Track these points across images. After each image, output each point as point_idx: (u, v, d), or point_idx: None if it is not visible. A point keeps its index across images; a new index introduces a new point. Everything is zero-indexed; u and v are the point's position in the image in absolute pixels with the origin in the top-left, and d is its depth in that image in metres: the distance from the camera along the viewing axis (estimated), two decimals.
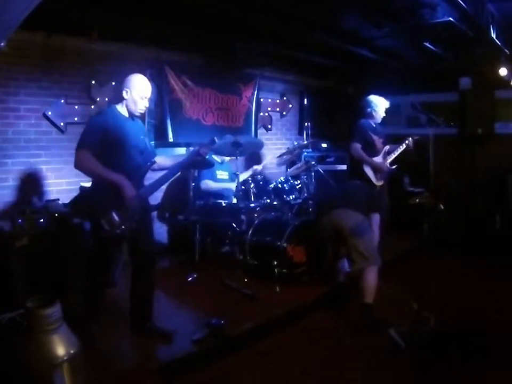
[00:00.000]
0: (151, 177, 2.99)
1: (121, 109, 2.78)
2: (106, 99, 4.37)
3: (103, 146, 2.61)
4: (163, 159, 3.06)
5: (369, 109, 4.69)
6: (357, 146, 4.60)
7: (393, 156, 4.74)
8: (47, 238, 3.33)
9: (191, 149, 3.11)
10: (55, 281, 3.11)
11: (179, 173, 5.06)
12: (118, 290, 3.53)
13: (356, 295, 3.49)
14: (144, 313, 2.98)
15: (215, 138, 2.98)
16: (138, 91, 2.74)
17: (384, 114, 4.75)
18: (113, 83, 4.41)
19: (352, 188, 4.02)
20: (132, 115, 2.82)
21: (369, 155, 4.62)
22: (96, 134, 2.61)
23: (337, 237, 3.57)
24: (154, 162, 2.98)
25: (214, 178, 4.70)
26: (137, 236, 2.77)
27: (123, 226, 2.61)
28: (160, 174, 2.97)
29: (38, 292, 2.21)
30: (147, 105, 2.84)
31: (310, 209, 4.72)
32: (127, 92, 2.73)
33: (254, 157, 5.78)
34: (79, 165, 2.62)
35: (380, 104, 4.67)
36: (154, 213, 4.99)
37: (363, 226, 3.46)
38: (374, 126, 4.72)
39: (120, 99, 2.77)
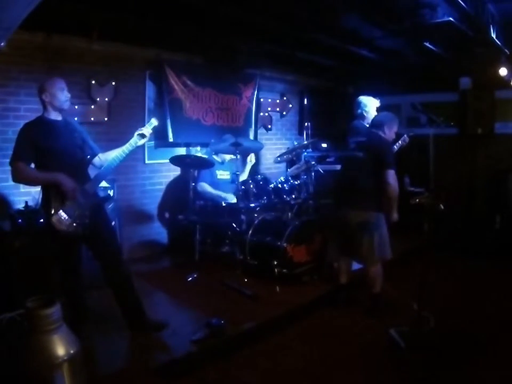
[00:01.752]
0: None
1: (48, 114, 2.80)
2: (106, 99, 4.38)
3: (35, 152, 2.66)
4: (107, 153, 3.03)
5: (359, 110, 4.64)
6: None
7: None
8: (47, 238, 3.34)
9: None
10: (54, 281, 3.11)
11: (169, 171, 5.07)
12: None
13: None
14: (131, 307, 2.96)
15: (153, 119, 3.03)
16: (53, 86, 2.76)
17: (376, 114, 4.73)
18: (113, 83, 4.41)
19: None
20: (60, 113, 2.83)
21: None
22: (25, 144, 2.66)
23: (348, 233, 3.56)
24: (94, 155, 2.99)
25: (215, 179, 4.70)
26: (94, 231, 2.77)
27: (74, 224, 2.64)
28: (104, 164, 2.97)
29: (37, 292, 2.21)
30: (69, 96, 2.85)
31: (310, 209, 4.72)
32: (46, 95, 2.75)
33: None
34: (17, 178, 2.68)
35: (369, 104, 4.63)
36: (154, 213, 5.01)
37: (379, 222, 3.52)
38: (367, 126, 4.71)
39: (43, 105, 2.79)
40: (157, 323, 2.99)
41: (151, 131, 3.00)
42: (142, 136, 2.97)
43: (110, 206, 3.72)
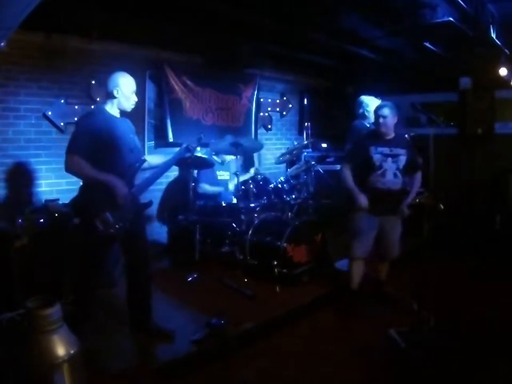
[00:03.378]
0: (140, 176, 3.00)
1: (111, 108, 2.78)
2: None
3: (93, 147, 2.61)
4: (153, 158, 3.08)
5: (361, 110, 4.65)
6: None
7: None
8: (47, 238, 3.34)
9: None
10: (54, 281, 3.11)
11: (169, 171, 5.09)
12: (118, 290, 3.52)
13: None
14: (143, 312, 2.98)
15: (202, 135, 3.11)
16: (128, 86, 2.78)
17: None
18: None
19: None
20: (122, 113, 2.83)
21: None
22: (85, 137, 2.60)
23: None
24: (145, 160, 2.98)
25: (215, 179, 4.70)
26: (130, 235, 2.77)
27: (117, 226, 2.62)
28: (149, 172, 2.99)
29: (37, 292, 2.21)
30: (136, 100, 2.86)
31: (310, 209, 4.72)
32: (117, 91, 2.73)
33: (252, 158, 5.78)
34: (70, 169, 2.63)
35: (371, 104, 4.63)
36: (154, 213, 5.01)
37: None
38: (368, 126, 4.71)
39: (110, 99, 2.77)
40: (163, 331, 2.97)
41: (199, 148, 3.07)
42: (188, 150, 3.05)
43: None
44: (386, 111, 3.43)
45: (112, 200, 2.60)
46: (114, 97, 2.75)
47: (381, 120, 3.43)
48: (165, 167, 2.95)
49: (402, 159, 3.47)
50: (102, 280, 3.10)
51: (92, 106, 4.24)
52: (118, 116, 2.82)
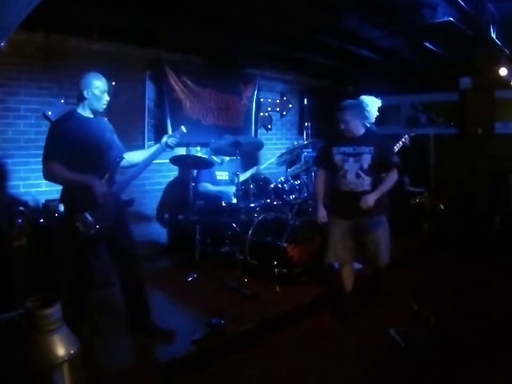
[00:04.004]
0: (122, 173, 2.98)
1: (83, 110, 2.77)
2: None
3: (68, 150, 2.61)
4: (132, 155, 3.03)
5: None
6: None
7: None
8: (47, 238, 3.34)
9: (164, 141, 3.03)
10: (54, 281, 3.11)
11: (169, 171, 5.08)
12: (117, 290, 3.52)
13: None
14: (140, 311, 2.97)
15: (183, 127, 3.02)
16: (98, 87, 2.75)
17: (377, 114, 4.73)
18: (113, 83, 4.40)
19: None
20: (95, 113, 2.81)
21: None
22: (59, 142, 2.61)
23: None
24: (123, 158, 2.96)
25: (214, 179, 4.70)
26: (114, 234, 2.76)
27: (97, 226, 2.61)
28: (130, 169, 2.96)
29: (37, 292, 2.21)
30: (108, 99, 2.83)
31: (310, 209, 4.72)
32: (87, 92, 2.72)
33: (253, 158, 5.78)
34: (49, 177, 2.65)
35: (371, 104, 4.63)
36: (154, 213, 5.01)
37: None
38: (368, 126, 4.71)
39: (81, 100, 2.76)
40: (163, 330, 2.97)
41: (178, 139, 2.99)
42: (168, 145, 2.98)
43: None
44: (346, 116, 3.24)
45: (91, 200, 2.59)
46: (85, 99, 2.74)
47: (343, 125, 3.25)
48: (145, 164, 2.91)
49: (367, 158, 3.19)
50: (98, 280, 3.07)
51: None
52: (92, 116, 2.80)
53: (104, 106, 2.83)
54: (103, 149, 2.77)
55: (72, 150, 2.61)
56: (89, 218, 2.57)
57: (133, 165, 2.99)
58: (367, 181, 3.22)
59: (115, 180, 2.86)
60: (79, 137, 2.64)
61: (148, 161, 2.90)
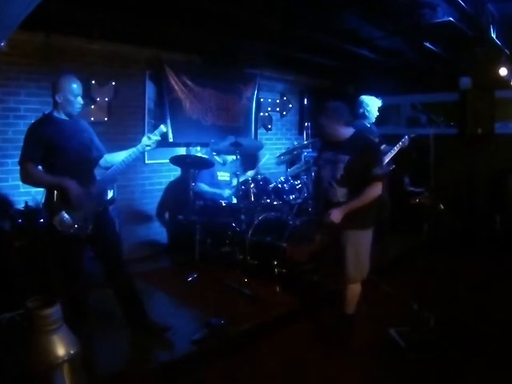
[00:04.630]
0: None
1: (58, 113, 2.77)
2: (106, 99, 4.38)
3: (44, 152, 2.63)
4: (113, 156, 3.01)
5: (361, 110, 4.67)
6: None
7: (390, 156, 4.73)
8: (46, 238, 3.34)
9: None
10: (54, 281, 3.11)
11: (169, 171, 5.07)
12: None
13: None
14: (134, 312, 2.96)
15: (162, 126, 2.97)
16: (70, 91, 2.73)
17: (378, 114, 4.74)
18: (113, 83, 4.41)
19: None
20: (70, 116, 2.80)
21: None
22: (35, 144, 2.63)
23: None
24: (101, 156, 2.96)
25: (214, 180, 4.70)
26: (97, 235, 2.75)
27: (76, 226, 2.62)
28: (110, 169, 2.94)
29: (37, 292, 2.21)
30: (82, 103, 2.82)
31: (310, 209, 4.72)
32: (59, 96, 2.71)
33: (252, 158, 5.78)
34: (26, 180, 2.67)
35: (371, 104, 4.65)
36: (154, 213, 5.01)
37: None
38: (369, 126, 4.72)
39: (55, 104, 2.75)
40: (159, 326, 2.98)
41: (159, 138, 2.95)
42: (150, 142, 2.92)
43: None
44: (322, 120, 3.07)
45: (67, 200, 2.62)
46: (58, 103, 2.73)
47: (322, 129, 3.11)
48: (124, 163, 2.87)
49: (340, 167, 2.92)
50: (97, 280, 3.06)
51: (92, 106, 4.26)
52: (67, 118, 2.79)
53: (78, 110, 2.82)
54: (80, 150, 2.77)
55: (49, 151, 2.64)
56: (66, 217, 2.61)
57: (113, 164, 2.97)
58: (340, 192, 2.96)
59: (95, 179, 2.87)
60: (55, 139, 2.65)
61: (126, 160, 2.87)
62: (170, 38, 4.53)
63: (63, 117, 2.77)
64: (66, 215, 2.61)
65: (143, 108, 4.75)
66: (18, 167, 2.74)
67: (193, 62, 5.16)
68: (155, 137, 2.90)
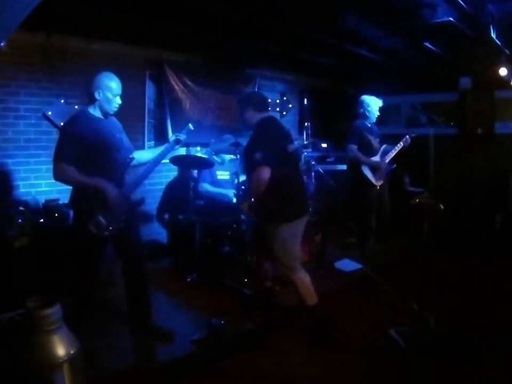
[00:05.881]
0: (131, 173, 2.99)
1: (94, 110, 2.75)
2: None
3: (79, 152, 2.60)
4: (141, 154, 3.02)
5: (362, 110, 4.69)
6: (353, 147, 4.62)
7: (391, 155, 4.74)
8: (47, 238, 3.34)
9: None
10: (54, 281, 3.11)
11: (169, 171, 5.07)
12: (118, 290, 3.51)
13: None
14: (142, 312, 2.97)
15: (190, 124, 3.00)
16: (110, 89, 2.72)
17: (378, 114, 4.74)
18: None
19: None
20: (105, 115, 2.80)
21: (366, 155, 4.63)
22: (71, 143, 2.59)
23: None
24: (133, 158, 2.94)
25: (214, 179, 4.70)
26: (123, 235, 2.74)
27: (110, 228, 2.60)
28: (139, 169, 2.96)
29: (37, 292, 2.21)
30: (120, 103, 2.81)
31: (310, 209, 4.71)
32: (99, 93, 2.70)
33: None
34: (59, 178, 2.63)
35: (372, 104, 4.66)
36: (154, 213, 5.01)
37: None
38: (369, 126, 4.72)
39: (92, 101, 2.73)
40: (163, 331, 2.96)
41: (185, 136, 2.97)
42: (178, 141, 2.95)
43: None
44: (239, 108, 3.24)
45: (103, 202, 2.58)
46: (96, 100, 2.72)
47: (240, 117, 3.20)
48: (154, 163, 2.88)
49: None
50: (101, 280, 3.08)
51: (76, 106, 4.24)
52: (102, 117, 2.78)
53: (115, 109, 2.81)
54: (112, 150, 2.75)
55: (84, 151, 2.60)
56: (102, 220, 2.57)
57: (141, 164, 2.98)
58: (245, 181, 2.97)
59: (124, 181, 2.86)
60: (88, 138, 2.62)
61: (157, 160, 2.88)
62: (171, 38, 4.53)
63: (99, 115, 2.76)
64: (102, 219, 2.57)
65: (143, 108, 4.75)
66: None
67: (194, 62, 5.16)
68: (183, 136, 2.95)
